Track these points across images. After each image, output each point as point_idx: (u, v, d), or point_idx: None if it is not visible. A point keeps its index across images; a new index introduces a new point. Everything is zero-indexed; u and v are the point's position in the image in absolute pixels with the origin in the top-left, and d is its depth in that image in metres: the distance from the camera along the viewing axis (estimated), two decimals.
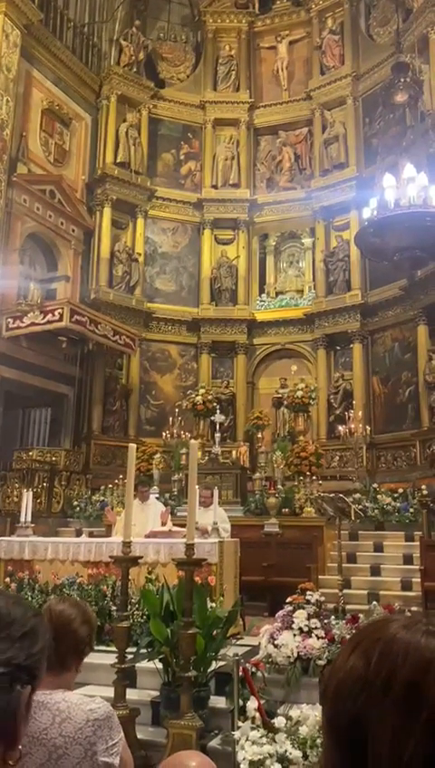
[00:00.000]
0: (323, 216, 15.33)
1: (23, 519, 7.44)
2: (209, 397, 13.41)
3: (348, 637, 4.64)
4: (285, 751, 3.76)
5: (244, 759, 3.73)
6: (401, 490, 10.99)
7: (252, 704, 4.09)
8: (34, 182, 13.58)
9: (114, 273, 15.13)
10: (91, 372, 14.23)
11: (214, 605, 4.96)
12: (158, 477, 11.81)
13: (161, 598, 4.88)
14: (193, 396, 13.54)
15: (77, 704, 1.74)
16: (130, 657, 4.44)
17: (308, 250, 15.91)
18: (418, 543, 9.18)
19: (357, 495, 10.66)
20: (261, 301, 15.89)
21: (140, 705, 4.52)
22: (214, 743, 4.32)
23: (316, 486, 10.93)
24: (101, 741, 1.70)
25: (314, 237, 15.65)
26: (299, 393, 12.72)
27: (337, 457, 13.68)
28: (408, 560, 9.33)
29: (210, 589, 5.50)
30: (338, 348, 14.89)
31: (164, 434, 13.51)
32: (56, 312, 12.27)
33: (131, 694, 4.61)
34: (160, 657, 4.62)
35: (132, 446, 4.71)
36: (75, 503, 12.12)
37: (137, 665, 4.80)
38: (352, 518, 8.18)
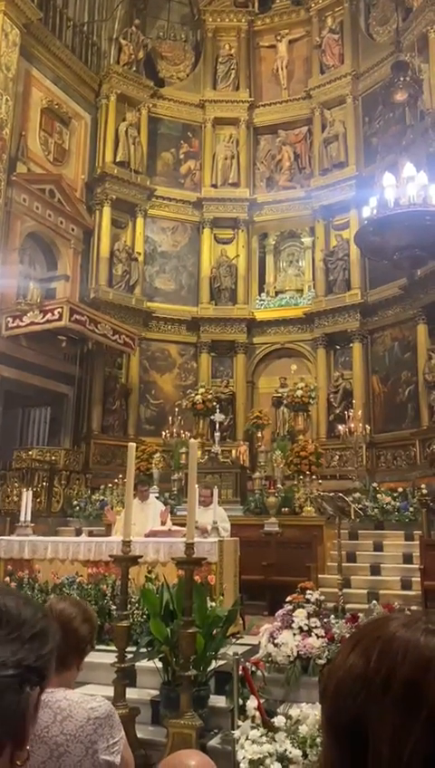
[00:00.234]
0: (323, 215, 15.33)
1: (22, 518, 7.44)
2: (209, 396, 13.40)
3: (348, 636, 4.65)
4: (285, 750, 3.76)
5: (244, 758, 3.73)
6: (400, 489, 10.99)
7: (252, 703, 4.09)
8: (34, 181, 13.58)
9: (114, 273, 15.12)
10: (91, 372, 14.23)
11: (214, 604, 4.96)
12: (157, 477, 11.81)
13: (161, 597, 4.88)
14: (193, 395, 13.54)
15: (78, 702, 1.75)
16: (129, 656, 4.44)
17: (308, 249, 15.91)
18: (417, 542, 9.19)
19: (357, 495, 10.65)
20: (261, 300, 15.89)
21: (139, 704, 4.52)
22: (214, 742, 4.32)
23: (316, 486, 10.93)
24: (102, 739, 1.71)
25: (313, 236, 15.65)
26: (299, 392, 12.71)
27: (337, 457, 13.68)
28: (407, 559, 9.34)
29: (210, 588, 5.50)
30: (338, 347, 14.89)
31: (164, 433, 13.51)
32: (56, 312, 12.27)
33: (131, 693, 4.61)
34: (160, 656, 4.62)
35: (132, 445, 4.71)
36: (75, 502, 12.12)
37: (137, 664, 4.80)
38: (352, 517, 8.18)
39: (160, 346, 15.64)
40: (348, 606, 7.08)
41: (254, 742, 3.80)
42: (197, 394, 13.43)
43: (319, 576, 8.81)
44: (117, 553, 4.44)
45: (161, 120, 16.56)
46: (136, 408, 14.91)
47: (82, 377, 14.13)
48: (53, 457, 12.48)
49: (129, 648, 4.38)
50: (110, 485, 11.93)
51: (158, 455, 12.18)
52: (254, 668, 4.59)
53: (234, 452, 12.94)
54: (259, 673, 4.65)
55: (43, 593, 6.18)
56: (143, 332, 15.11)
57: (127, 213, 15.67)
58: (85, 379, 14.19)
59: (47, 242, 14.21)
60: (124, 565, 4.35)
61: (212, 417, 12.55)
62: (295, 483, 11.13)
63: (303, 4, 16.69)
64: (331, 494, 8.19)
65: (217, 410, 12.66)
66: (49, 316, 12.24)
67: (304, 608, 5.05)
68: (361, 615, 5.16)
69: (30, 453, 12.09)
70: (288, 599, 5.25)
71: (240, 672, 4.27)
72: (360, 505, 9.33)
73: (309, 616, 4.98)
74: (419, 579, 8.47)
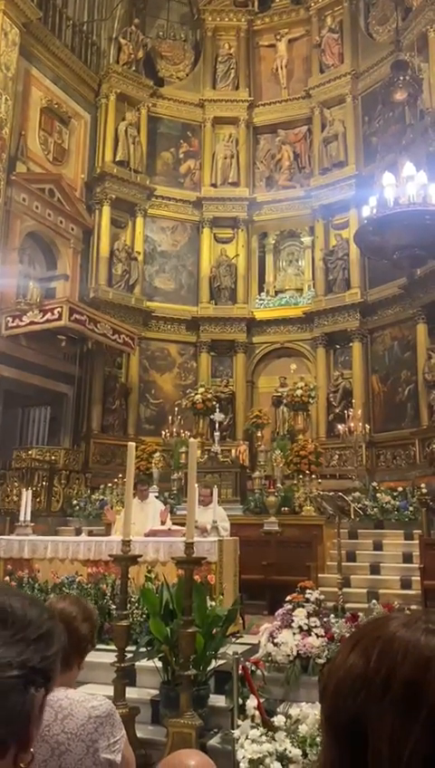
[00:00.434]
0: (323, 214, 15.33)
1: (22, 518, 7.44)
2: (209, 395, 13.40)
3: (347, 635, 4.65)
4: (285, 749, 3.76)
5: (243, 757, 3.73)
6: (400, 488, 10.99)
7: (251, 702, 4.09)
8: (34, 181, 13.57)
9: (113, 272, 15.12)
10: (91, 371, 14.23)
11: (213, 604, 4.96)
12: (157, 476, 11.81)
13: (161, 596, 4.88)
14: (192, 394, 13.54)
15: (79, 701, 1.76)
16: (129, 655, 4.44)
17: (307, 249, 15.90)
18: (417, 542, 9.18)
19: (356, 494, 10.64)
20: (260, 299, 15.89)
21: (139, 703, 4.52)
22: (213, 741, 4.32)
23: (316, 485, 10.93)
24: (103, 738, 1.71)
25: (313, 236, 15.64)
26: (298, 392, 12.71)
27: (336, 456, 13.68)
28: (407, 558, 9.34)
29: (210, 587, 5.50)
30: (337, 346, 14.89)
31: (163, 433, 13.51)
32: (55, 311, 12.27)
33: (131, 692, 4.62)
34: (160, 655, 4.62)
35: (132, 444, 4.71)
36: (75, 501, 12.12)
37: (136, 663, 4.80)
38: (352, 517, 8.19)
39: (160, 345, 15.64)
40: (348, 605, 7.08)
41: (253, 741, 3.80)
42: (196, 393, 13.43)
43: (319, 575, 8.81)
44: (117, 553, 4.44)
45: (161, 120, 16.55)
46: (136, 407, 14.91)
47: (81, 376, 14.13)
48: (53, 457, 12.48)
49: (128, 648, 4.38)
50: (109, 485, 11.93)
51: (157, 454, 12.18)
52: (253, 668, 4.59)
53: (233, 451, 12.93)
54: (259, 672, 4.65)
55: (42, 593, 6.18)
56: (143, 332, 15.11)
57: (126, 212, 15.67)
58: (85, 378, 14.19)
59: (47, 241, 14.21)
60: (124, 565, 4.35)
61: (212, 417, 12.54)
62: (295, 482, 11.13)
63: (302, 4, 16.67)
64: (330, 494, 8.19)
65: (217, 410, 12.65)
66: (49, 316, 12.24)
67: (303, 607, 5.05)
68: (360, 614, 5.17)
69: (30, 452, 12.09)
70: (288, 598, 5.25)
71: (240, 671, 4.27)
72: (359, 505, 9.34)
73: (309, 615, 4.98)
74: (418, 578, 8.47)
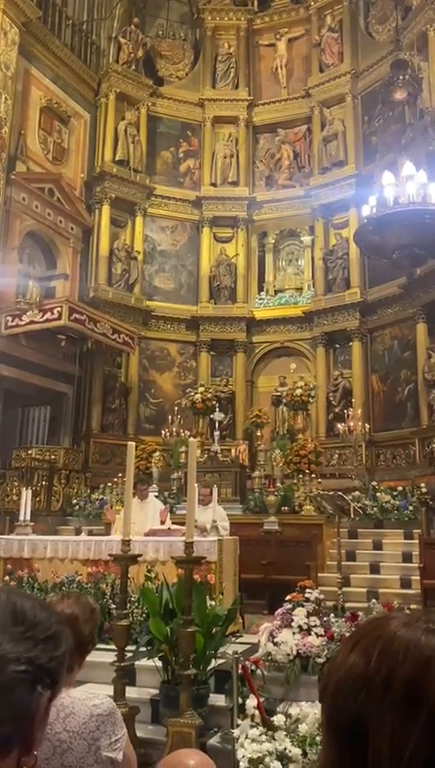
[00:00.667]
0: (323, 213, 15.33)
1: (22, 517, 7.44)
2: (208, 395, 13.41)
3: (347, 634, 4.65)
4: (285, 748, 3.76)
5: (243, 757, 3.73)
6: (400, 488, 10.99)
7: (251, 702, 4.09)
8: (33, 180, 13.57)
9: (113, 272, 15.11)
10: (91, 370, 14.23)
11: (213, 603, 4.96)
12: (157, 476, 11.81)
13: (161, 596, 4.88)
14: (192, 394, 13.55)
15: (81, 699, 1.76)
16: (129, 655, 4.44)
17: (307, 248, 15.90)
18: (417, 541, 9.19)
19: (356, 493, 10.63)
20: (260, 299, 15.89)
21: (139, 703, 4.52)
22: (213, 741, 4.32)
23: (315, 484, 10.93)
24: (105, 736, 1.72)
25: (313, 235, 15.64)
26: (298, 391, 12.72)
27: (336, 455, 13.68)
28: (407, 557, 9.34)
29: (210, 587, 5.50)
30: (337, 346, 14.89)
31: (163, 432, 13.52)
32: (55, 311, 12.27)
33: (131, 692, 4.62)
34: (160, 655, 4.62)
35: (131, 444, 4.71)
36: (74, 501, 12.12)
37: (136, 663, 4.81)
38: (352, 516, 8.19)
39: (160, 345, 15.64)
40: (347, 605, 7.08)
41: (253, 740, 3.80)
42: (196, 393, 13.44)
43: (318, 575, 8.82)
44: (116, 552, 4.44)
45: (161, 119, 16.54)
46: (135, 406, 14.91)
47: (81, 376, 14.13)
48: (53, 456, 12.48)
49: (128, 647, 4.39)
50: (109, 484, 11.92)
51: (157, 454, 12.18)
52: (253, 667, 4.59)
53: (233, 451, 12.93)
54: (259, 672, 4.65)
55: (42, 592, 6.17)
56: (143, 331, 15.11)
57: (126, 212, 15.66)
58: (85, 377, 14.19)
59: (46, 241, 14.20)
60: (124, 564, 4.35)
61: (211, 416, 12.54)
62: (295, 481, 11.13)
63: (302, 3, 16.66)
64: (330, 493, 8.19)
65: (217, 409, 12.65)
66: (48, 315, 12.24)
67: (303, 606, 5.05)
68: (360, 614, 5.17)
69: (29, 452, 12.09)
70: (288, 597, 5.25)
71: (240, 671, 4.27)
72: (359, 504, 9.33)
73: (308, 615, 4.98)
74: (418, 577, 8.47)
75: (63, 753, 1.67)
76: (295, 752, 3.74)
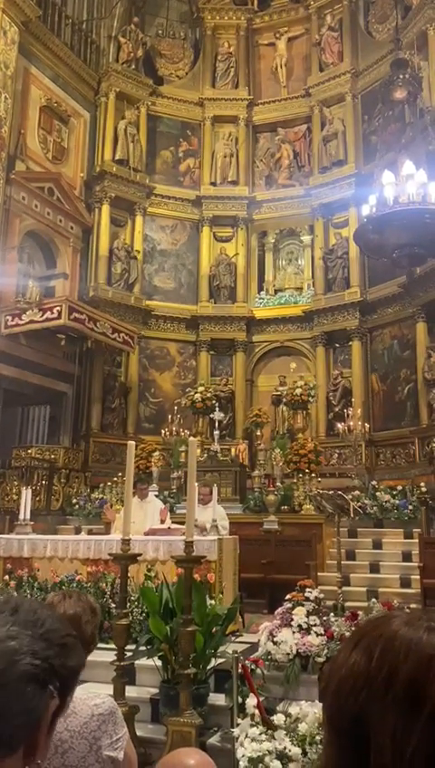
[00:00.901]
0: (323, 213, 15.32)
1: (22, 517, 7.44)
2: (208, 394, 13.41)
3: (347, 634, 4.66)
4: (285, 748, 3.76)
5: (243, 756, 3.73)
6: (399, 487, 10.99)
7: (251, 701, 4.09)
8: (33, 179, 13.56)
9: (113, 271, 15.11)
10: (90, 370, 14.23)
11: (213, 602, 4.96)
12: (157, 475, 11.81)
13: (160, 595, 4.88)
14: (192, 393, 13.55)
15: (82, 699, 1.76)
16: (129, 654, 4.44)
17: (307, 247, 15.90)
18: (417, 540, 9.19)
19: (356, 493, 10.65)
20: (260, 298, 15.88)
21: (139, 702, 4.52)
22: (213, 740, 4.32)
23: (315, 484, 10.93)
24: (106, 735, 1.73)
25: (312, 235, 15.64)
26: (298, 390, 12.72)
27: (336, 455, 13.68)
28: (407, 557, 9.35)
29: (209, 586, 5.50)
30: (337, 345, 14.88)
31: (163, 431, 13.52)
32: (55, 310, 12.26)
33: (131, 691, 4.62)
34: (160, 654, 4.62)
35: (131, 443, 4.71)
36: (74, 500, 12.12)
37: (136, 662, 4.81)
38: (352, 515, 8.19)
39: (160, 344, 15.63)
40: (347, 604, 7.08)
41: (253, 740, 3.80)
42: (196, 392, 13.44)
43: (318, 574, 8.82)
44: (116, 551, 4.44)
45: (160, 118, 16.53)
46: (135, 406, 14.90)
47: (81, 375, 14.13)
48: (53, 456, 12.48)
49: (128, 647, 4.39)
50: (109, 484, 11.93)
51: (157, 453, 12.18)
52: (253, 666, 4.59)
53: (233, 450, 12.94)
54: (259, 671, 4.65)
55: (42, 592, 6.18)
56: (142, 331, 15.10)
57: (126, 211, 15.65)
58: (84, 377, 14.18)
59: (46, 240, 14.20)
60: (123, 563, 4.35)
61: (211, 416, 12.54)
62: (295, 481, 11.13)
63: (302, 2, 16.64)
64: (330, 492, 8.19)
65: (217, 408, 12.65)
66: (48, 314, 12.24)
67: (303, 606, 5.05)
68: (360, 613, 5.17)
69: (29, 451, 12.10)
70: (287, 597, 5.25)
71: (240, 670, 4.27)
72: (359, 503, 9.33)
73: (308, 614, 4.98)
74: (418, 577, 8.47)
75: (65, 752, 1.68)
76: (295, 751, 3.74)
